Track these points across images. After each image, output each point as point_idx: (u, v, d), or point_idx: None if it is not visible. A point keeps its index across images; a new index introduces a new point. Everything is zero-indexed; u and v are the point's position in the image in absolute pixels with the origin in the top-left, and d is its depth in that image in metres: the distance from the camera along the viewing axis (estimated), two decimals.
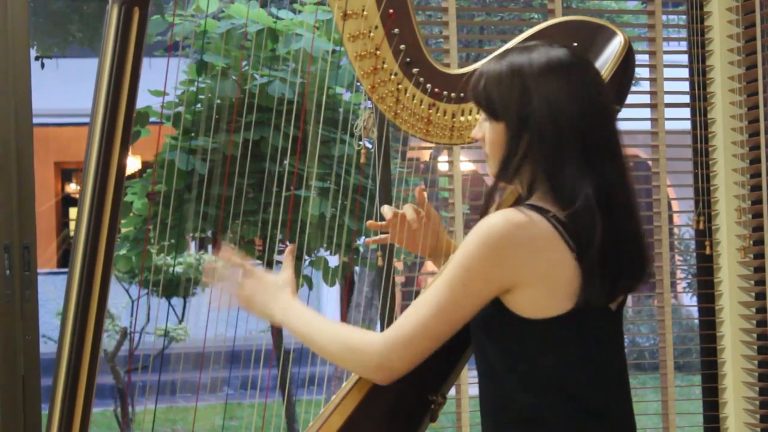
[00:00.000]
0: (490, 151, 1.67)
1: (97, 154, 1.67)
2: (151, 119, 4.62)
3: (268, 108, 4.28)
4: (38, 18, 6.99)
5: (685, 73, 3.50)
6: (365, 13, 1.92)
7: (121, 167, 1.69)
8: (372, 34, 1.93)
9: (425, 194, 1.98)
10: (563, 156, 1.58)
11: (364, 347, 1.63)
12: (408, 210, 1.96)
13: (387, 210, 1.98)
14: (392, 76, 1.95)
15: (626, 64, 1.98)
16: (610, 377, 1.67)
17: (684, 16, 3.49)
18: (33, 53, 5.22)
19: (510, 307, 1.59)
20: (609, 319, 1.67)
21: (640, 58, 3.05)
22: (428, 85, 1.96)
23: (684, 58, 3.48)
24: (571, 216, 1.56)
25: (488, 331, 1.63)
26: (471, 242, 1.57)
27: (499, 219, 1.57)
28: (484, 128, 1.68)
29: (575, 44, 1.97)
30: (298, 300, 1.77)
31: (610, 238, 1.57)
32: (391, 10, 1.93)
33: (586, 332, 1.62)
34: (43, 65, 6.73)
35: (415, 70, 1.95)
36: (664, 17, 3.56)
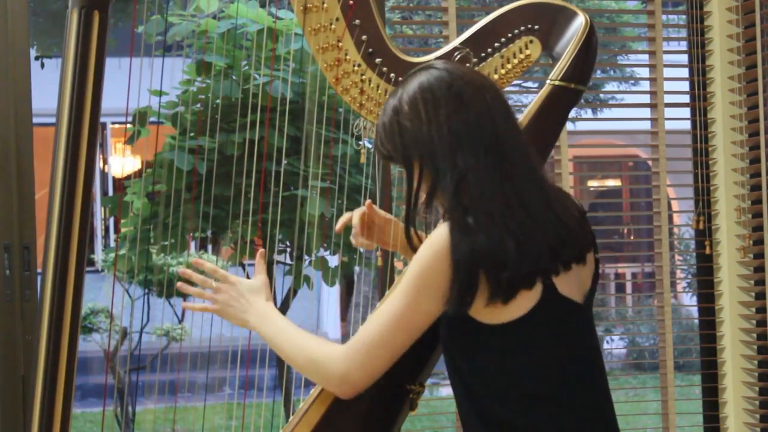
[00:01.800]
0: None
1: (63, 157, 1.69)
2: (151, 119, 4.62)
3: (268, 108, 4.27)
4: (38, 18, 6.98)
5: (685, 73, 3.50)
6: (325, 5, 1.94)
7: (90, 169, 1.70)
8: (333, 26, 1.95)
9: (372, 205, 1.99)
10: (439, 163, 1.62)
11: (326, 361, 1.66)
12: (354, 218, 1.99)
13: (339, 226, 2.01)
14: (355, 67, 1.97)
15: (588, 44, 1.99)
16: (581, 373, 1.66)
17: (684, 16, 3.49)
18: (33, 53, 5.21)
19: (472, 315, 1.61)
20: (576, 314, 1.67)
21: (640, 58, 3.05)
22: (392, 75, 1.97)
23: (684, 58, 3.48)
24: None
25: (454, 340, 1.65)
26: (422, 254, 1.61)
27: (444, 232, 1.60)
28: None
29: (536, 27, 2.00)
30: (273, 306, 1.79)
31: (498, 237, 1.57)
32: (351, 2, 1.94)
33: (552, 330, 1.63)
34: (43, 65, 6.72)
35: (378, 60, 1.96)
36: (664, 17, 3.56)
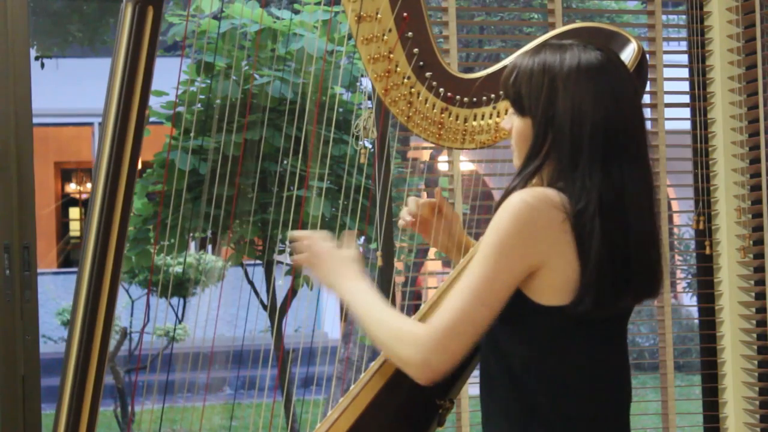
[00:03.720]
0: (515, 144, 1.68)
1: (108, 153, 1.67)
2: (151, 119, 4.62)
3: (269, 108, 4.27)
4: (38, 18, 6.99)
5: (685, 73, 3.50)
6: (379, 16, 1.92)
7: (133, 166, 1.69)
8: (386, 37, 1.93)
9: (442, 194, 1.99)
10: (581, 158, 1.58)
11: (410, 339, 1.58)
12: (423, 208, 1.98)
13: (411, 203, 1.99)
14: (405, 80, 1.94)
15: (639, 71, 1.97)
16: (615, 375, 1.71)
17: (684, 16, 3.49)
18: (33, 53, 5.22)
19: (527, 293, 1.58)
20: (621, 317, 1.69)
21: None
22: (441, 89, 1.96)
23: (684, 58, 3.48)
24: (577, 217, 1.56)
25: (503, 318, 1.61)
26: (503, 218, 1.55)
27: (531, 194, 1.57)
28: (513, 121, 1.69)
29: None
30: (366, 278, 1.75)
31: (617, 244, 1.57)
32: (405, 14, 1.92)
33: (596, 327, 1.63)
34: (43, 65, 6.73)
35: (428, 74, 1.95)
36: (664, 17, 3.56)
